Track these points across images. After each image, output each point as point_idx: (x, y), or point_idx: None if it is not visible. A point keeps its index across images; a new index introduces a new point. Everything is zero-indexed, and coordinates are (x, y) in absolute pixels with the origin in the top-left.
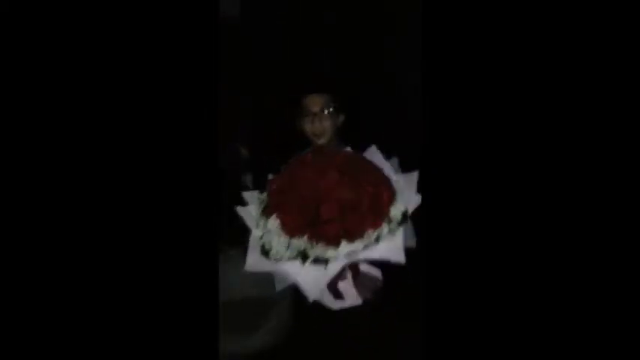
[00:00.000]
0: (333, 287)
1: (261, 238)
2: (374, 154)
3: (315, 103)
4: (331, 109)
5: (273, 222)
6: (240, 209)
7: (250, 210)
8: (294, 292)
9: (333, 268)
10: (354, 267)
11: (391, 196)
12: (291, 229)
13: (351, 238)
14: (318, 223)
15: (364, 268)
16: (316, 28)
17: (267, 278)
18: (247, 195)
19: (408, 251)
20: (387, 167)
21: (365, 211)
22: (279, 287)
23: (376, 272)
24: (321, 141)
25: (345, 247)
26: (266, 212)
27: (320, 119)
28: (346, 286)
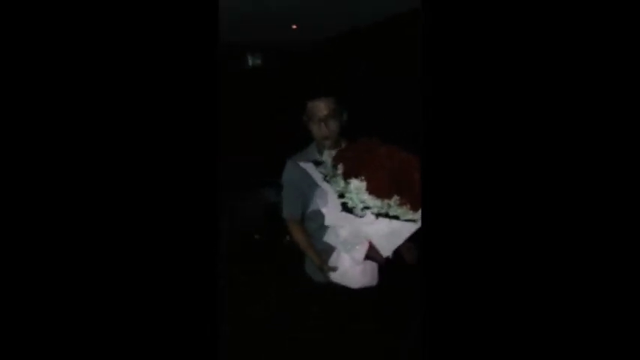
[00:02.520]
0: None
1: (340, 196)
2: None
3: (320, 108)
4: (336, 111)
5: (358, 183)
6: (310, 168)
7: (318, 173)
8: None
9: (409, 229)
10: None
11: None
12: (378, 190)
13: None
14: (407, 187)
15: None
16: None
17: None
18: (306, 165)
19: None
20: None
21: None
22: (329, 240)
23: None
24: (328, 142)
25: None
26: (345, 174)
27: (327, 123)
28: (372, 265)
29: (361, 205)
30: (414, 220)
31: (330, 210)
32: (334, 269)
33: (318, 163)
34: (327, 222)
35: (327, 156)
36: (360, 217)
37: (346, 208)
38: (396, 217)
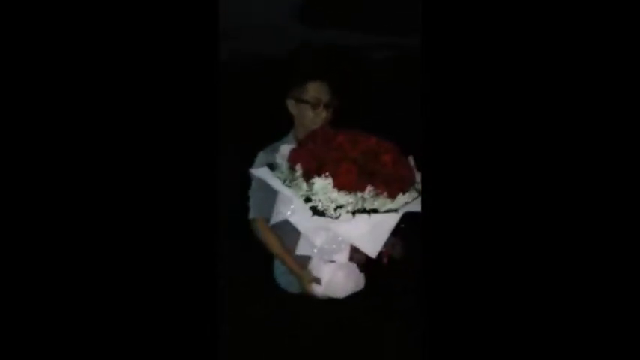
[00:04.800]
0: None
1: (307, 200)
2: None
3: (322, 91)
4: (334, 99)
5: (323, 182)
6: (265, 175)
7: (274, 179)
8: None
9: (392, 221)
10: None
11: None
12: (347, 184)
13: (404, 190)
14: (379, 174)
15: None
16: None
17: None
18: (259, 171)
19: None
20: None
21: (408, 165)
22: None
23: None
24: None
25: (401, 198)
26: (306, 176)
27: (326, 110)
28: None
29: (333, 205)
30: (395, 210)
31: (300, 218)
32: (317, 280)
33: (272, 167)
34: (302, 231)
35: (280, 158)
36: (336, 218)
37: (317, 212)
38: (375, 211)
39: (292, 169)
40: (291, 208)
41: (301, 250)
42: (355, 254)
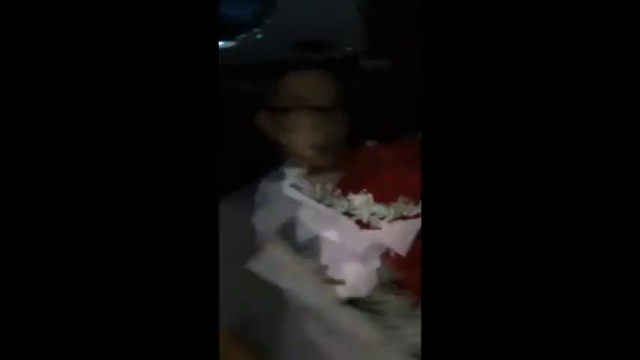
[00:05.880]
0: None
1: (347, 214)
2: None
3: (309, 86)
4: (341, 103)
5: (362, 197)
6: (297, 195)
7: (306, 198)
8: None
9: (418, 223)
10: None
11: None
12: (385, 197)
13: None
14: (402, 185)
15: None
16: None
17: None
18: (291, 193)
19: None
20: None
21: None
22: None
23: None
24: (316, 160)
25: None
26: (343, 192)
27: (323, 122)
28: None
29: (377, 217)
30: (419, 214)
31: (345, 233)
32: (342, 282)
33: (296, 187)
34: (351, 247)
35: (309, 185)
36: (379, 228)
37: (364, 225)
38: (405, 217)
39: (325, 189)
40: (333, 226)
41: (325, 259)
42: (385, 255)
